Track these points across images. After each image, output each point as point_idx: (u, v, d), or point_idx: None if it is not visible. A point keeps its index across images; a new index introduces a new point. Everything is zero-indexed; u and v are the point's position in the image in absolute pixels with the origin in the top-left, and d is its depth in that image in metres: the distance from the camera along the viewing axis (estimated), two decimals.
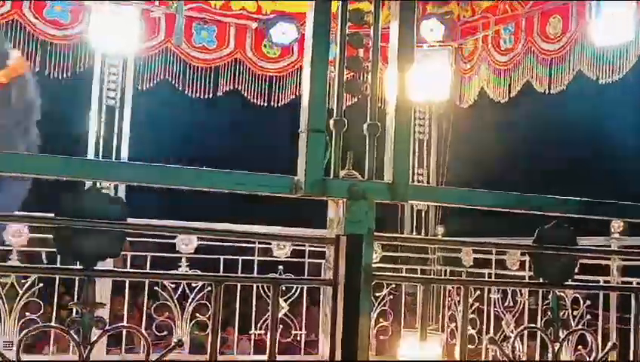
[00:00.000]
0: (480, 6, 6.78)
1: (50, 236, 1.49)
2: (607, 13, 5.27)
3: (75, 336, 1.46)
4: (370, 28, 1.83)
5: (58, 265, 3.42)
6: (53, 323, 4.48)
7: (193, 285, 5.68)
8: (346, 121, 1.77)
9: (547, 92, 6.10)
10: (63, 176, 1.49)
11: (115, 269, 3.97)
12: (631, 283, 4.74)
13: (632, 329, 2.01)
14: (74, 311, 1.50)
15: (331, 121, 1.74)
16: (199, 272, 5.36)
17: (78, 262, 1.52)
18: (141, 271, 4.25)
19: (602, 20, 5.32)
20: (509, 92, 6.48)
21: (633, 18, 5.16)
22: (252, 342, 6.23)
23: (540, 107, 7.03)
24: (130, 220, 1.57)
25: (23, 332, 1.50)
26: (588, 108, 8.49)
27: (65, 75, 6.14)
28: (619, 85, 5.55)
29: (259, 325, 6.16)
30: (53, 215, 1.45)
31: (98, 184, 4.03)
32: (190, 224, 5.47)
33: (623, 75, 5.41)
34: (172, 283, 5.65)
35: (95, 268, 1.49)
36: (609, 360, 2.31)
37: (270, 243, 6.08)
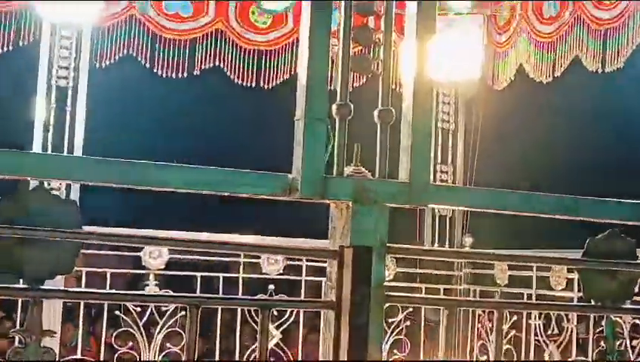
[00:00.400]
0: None
1: None
2: None
3: None
4: None
5: None
6: None
7: (163, 309, 5.68)
8: (353, 107, 1.77)
9: (600, 70, 6.11)
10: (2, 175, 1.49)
11: (67, 289, 3.95)
12: None
13: None
14: (16, 339, 1.50)
15: (334, 107, 1.75)
16: (171, 292, 5.36)
17: (21, 280, 1.52)
18: (99, 291, 4.23)
19: None
20: (554, 70, 6.49)
21: None
22: None
23: (592, 89, 7.03)
24: (86, 228, 1.57)
25: None
26: None
27: (4, 50, 6.16)
28: None
29: (244, 357, 6.18)
30: None
31: (46, 184, 4.03)
32: (160, 233, 5.49)
33: None
34: (137, 306, 5.66)
35: (42, 287, 1.50)
36: None
37: (259, 258, 6.09)
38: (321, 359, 5.79)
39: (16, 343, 1.52)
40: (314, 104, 1.69)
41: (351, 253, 1.64)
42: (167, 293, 4.91)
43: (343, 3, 1.79)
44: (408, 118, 1.76)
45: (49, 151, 6.06)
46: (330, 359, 1.68)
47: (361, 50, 1.86)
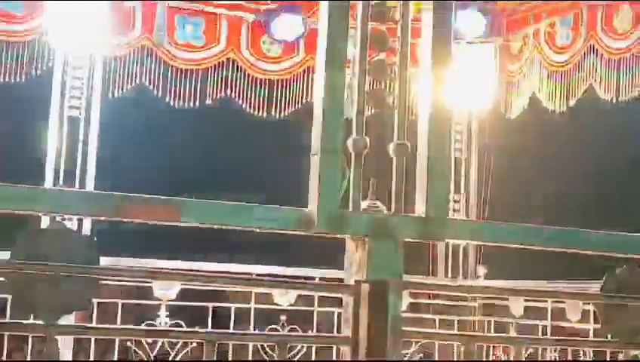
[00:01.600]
0: None
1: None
2: None
3: None
4: (396, 24, 1.85)
5: (9, 320, 3.44)
6: None
7: (175, 340, 5.66)
8: (368, 140, 1.78)
9: (614, 99, 6.10)
10: (9, 210, 1.50)
11: (81, 325, 3.96)
12: None
13: None
14: None
15: (349, 141, 1.75)
16: (183, 324, 5.35)
17: (32, 316, 1.52)
18: (114, 326, 4.25)
19: None
20: (567, 100, 6.49)
21: None
22: None
23: (606, 118, 7.01)
24: (102, 261, 1.58)
25: None
26: None
27: (17, 79, 6.19)
28: None
29: None
30: (7, 258, 1.46)
31: (58, 217, 4.05)
32: (172, 264, 5.50)
33: None
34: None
35: (59, 323, 1.50)
36: None
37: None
38: None
39: None
40: (329, 138, 1.70)
41: (368, 287, 1.64)
42: (182, 329, 4.85)
43: (358, 36, 1.80)
44: (425, 152, 1.77)
45: (61, 182, 6.09)
46: None
47: (377, 82, 1.87)
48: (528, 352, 5.81)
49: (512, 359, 1.74)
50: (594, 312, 4.98)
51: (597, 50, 6.23)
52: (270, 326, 5.86)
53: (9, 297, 3.88)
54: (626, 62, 6.03)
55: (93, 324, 4.57)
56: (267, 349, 5.75)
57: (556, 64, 6.59)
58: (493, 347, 6.40)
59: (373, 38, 1.81)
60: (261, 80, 6.92)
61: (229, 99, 6.79)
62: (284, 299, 6.10)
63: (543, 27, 6.70)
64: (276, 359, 1.51)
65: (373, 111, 1.80)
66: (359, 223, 1.68)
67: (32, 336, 4.38)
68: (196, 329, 4.48)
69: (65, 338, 5.27)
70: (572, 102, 6.48)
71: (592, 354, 5.62)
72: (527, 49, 6.88)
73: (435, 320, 6.43)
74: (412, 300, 6.33)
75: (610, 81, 6.13)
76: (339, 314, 6.09)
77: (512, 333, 6.00)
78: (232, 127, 7.64)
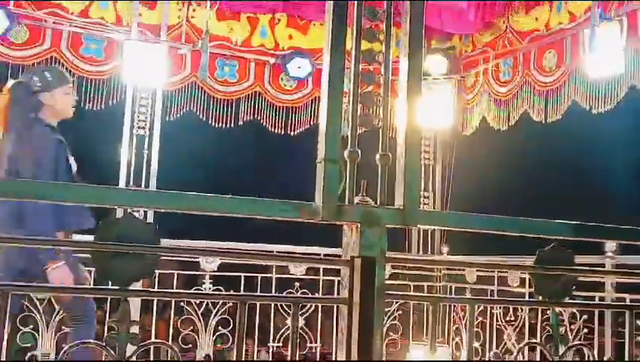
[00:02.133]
0: (480, 41, 6.81)
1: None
2: (600, 48, 5.27)
3: (113, 352, 1.46)
4: (380, 65, 1.84)
5: (94, 286, 3.45)
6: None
7: (216, 301, 5.66)
8: (360, 151, 1.77)
9: (544, 121, 6.09)
10: (96, 204, 1.51)
11: (148, 289, 3.96)
12: (624, 299, 4.69)
13: (626, 345, 1.99)
14: (107, 328, 1.50)
15: (346, 152, 1.75)
16: (223, 290, 5.35)
17: (110, 283, 1.53)
18: (171, 291, 4.23)
19: (595, 55, 5.32)
20: (509, 121, 6.48)
21: (623, 52, 5.17)
22: (270, 354, 6.20)
23: (538, 135, 7.01)
24: (162, 241, 1.58)
25: (65, 348, 1.50)
26: (582, 137, 8.46)
27: (99, 107, 6.21)
28: (611, 115, 5.54)
29: (277, 338, 6.13)
30: (92, 239, 1.46)
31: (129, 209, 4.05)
32: (214, 244, 5.50)
33: (614, 105, 5.40)
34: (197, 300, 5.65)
35: (130, 288, 1.50)
36: None
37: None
38: (334, 340, 5.72)
39: (108, 331, 1.52)
40: (330, 150, 1.70)
41: (360, 262, 1.64)
42: (221, 293, 4.84)
43: (352, 74, 1.80)
44: (402, 160, 1.76)
45: (131, 184, 6.09)
46: (344, 341, 1.66)
47: (366, 108, 1.87)
48: (480, 309, 5.81)
49: (468, 315, 1.71)
50: (529, 279, 4.97)
51: (531, 83, 6.22)
52: (287, 291, 5.85)
53: (93, 269, 3.90)
54: (551, 93, 6.03)
55: (156, 289, 4.57)
56: (285, 307, 5.74)
57: (500, 94, 6.58)
58: (454, 306, 6.39)
59: (363, 75, 1.81)
60: (280, 107, 6.91)
61: (256, 122, 6.79)
62: (297, 270, 6.09)
63: (490, 67, 6.69)
64: (292, 314, 1.50)
65: (363, 130, 1.79)
66: (353, 213, 1.68)
67: (110, 298, 4.37)
68: (231, 292, 4.48)
69: (134, 300, 5.28)
70: (512, 123, 6.46)
71: (527, 310, 5.62)
72: (478, 83, 6.87)
73: (410, 286, 6.42)
74: (393, 271, 6.32)
75: (541, 107, 6.11)
76: (338, 282, 6.08)
77: (468, 295, 5.99)
78: (258, 142, 7.65)
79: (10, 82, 4.29)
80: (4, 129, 4.11)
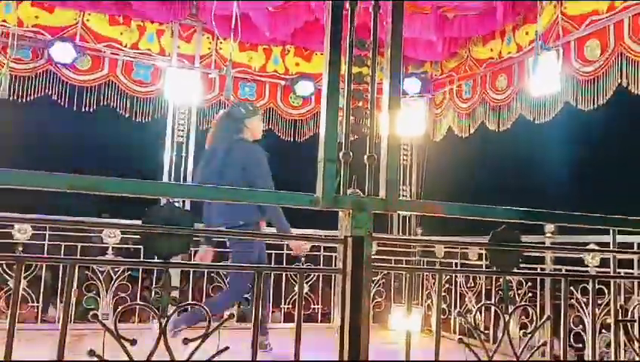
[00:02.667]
0: (447, 67, 6.80)
1: (136, 238, 1.50)
2: (541, 72, 5.28)
3: (157, 311, 1.46)
4: (368, 85, 1.84)
5: (142, 259, 3.45)
6: (139, 301, 4.47)
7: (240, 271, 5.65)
8: (352, 153, 1.77)
9: (497, 130, 6.10)
10: (147, 195, 1.50)
11: (186, 262, 3.97)
12: (560, 269, 4.71)
13: (562, 305, 1.99)
14: (153, 292, 1.50)
15: (340, 153, 1.75)
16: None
17: (156, 257, 1.53)
18: (204, 263, 4.24)
19: (537, 77, 5.34)
20: (469, 130, 6.49)
21: (559, 75, 5.18)
22: (282, 313, 6.21)
23: (493, 141, 7.00)
24: (196, 226, 1.58)
25: (120, 308, 1.50)
26: (528, 142, 8.47)
27: (147, 120, 6.22)
28: (550, 124, 5.55)
29: (287, 301, 6.15)
30: (140, 222, 1.46)
31: (171, 199, 4.05)
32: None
33: (552, 117, 5.42)
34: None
35: (171, 261, 1.50)
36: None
37: None
38: (332, 302, 5.73)
39: (154, 294, 1.52)
40: (329, 152, 1.69)
41: (351, 240, 1.64)
42: (254, 265, 4.84)
43: (345, 92, 1.80)
44: (385, 160, 1.76)
45: (172, 179, 6.09)
46: (340, 303, 1.66)
47: (357, 120, 1.86)
48: (446, 278, 5.82)
49: (437, 282, 1.69)
50: (485, 254, 4.97)
51: (486, 100, 6.22)
52: (295, 263, 5.85)
53: (141, 247, 3.90)
54: (503, 108, 6.03)
55: (194, 262, 4.57)
56: (293, 277, 5.75)
57: (462, 109, 6.58)
58: (426, 275, 6.39)
59: (354, 93, 1.80)
60: (289, 119, 6.91)
61: (272, 132, 6.80)
62: (303, 247, 6.08)
63: (454, 87, 6.69)
64: (298, 281, 1.50)
65: (355, 137, 1.79)
66: (346, 202, 1.67)
67: (156, 269, 4.37)
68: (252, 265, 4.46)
69: (176, 271, 5.30)
70: (472, 131, 6.47)
71: (484, 278, 5.62)
72: (446, 100, 6.87)
73: (391, 260, 6.42)
74: (379, 248, 6.33)
75: (495, 119, 6.12)
76: (335, 256, 6.10)
77: (437, 267, 5.99)
78: (271, 147, 7.64)
79: (220, 112, 4.75)
80: (209, 143, 4.61)
